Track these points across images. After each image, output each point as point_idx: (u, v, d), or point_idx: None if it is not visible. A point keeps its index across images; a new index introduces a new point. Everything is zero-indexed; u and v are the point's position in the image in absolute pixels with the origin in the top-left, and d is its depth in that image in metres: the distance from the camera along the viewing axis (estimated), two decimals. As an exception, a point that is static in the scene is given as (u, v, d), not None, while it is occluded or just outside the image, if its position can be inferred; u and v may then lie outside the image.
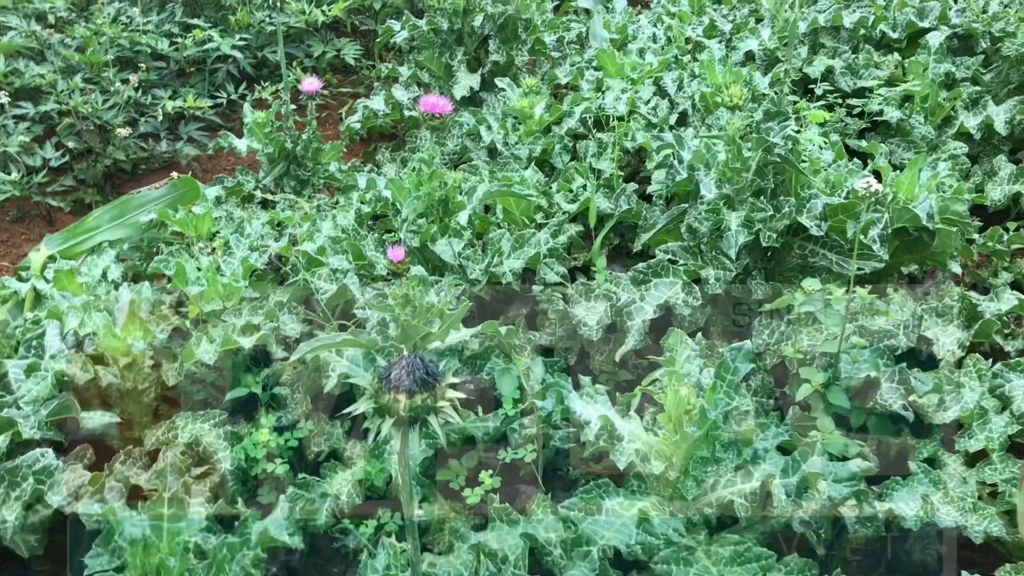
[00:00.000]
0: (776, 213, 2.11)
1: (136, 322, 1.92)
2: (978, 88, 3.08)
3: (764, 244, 2.09)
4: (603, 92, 3.08)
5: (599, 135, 2.87)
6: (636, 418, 1.69)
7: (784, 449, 1.73)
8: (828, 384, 1.86)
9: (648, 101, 3.04)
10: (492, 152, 3.01)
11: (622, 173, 2.63)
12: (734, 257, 2.04)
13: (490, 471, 1.83)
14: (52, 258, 2.62)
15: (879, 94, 2.95)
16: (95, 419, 1.83)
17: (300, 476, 1.83)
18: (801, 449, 1.65)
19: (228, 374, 2.17)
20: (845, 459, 1.73)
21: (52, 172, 3.36)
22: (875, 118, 3.01)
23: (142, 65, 3.74)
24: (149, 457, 1.88)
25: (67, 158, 3.37)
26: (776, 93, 2.63)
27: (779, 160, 2.11)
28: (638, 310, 2.11)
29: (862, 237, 2.19)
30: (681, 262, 2.18)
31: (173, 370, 2.00)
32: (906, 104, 3.00)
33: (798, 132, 2.31)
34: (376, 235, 2.31)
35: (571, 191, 2.58)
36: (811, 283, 1.91)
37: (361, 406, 1.05)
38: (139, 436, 2.00)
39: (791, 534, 1.76)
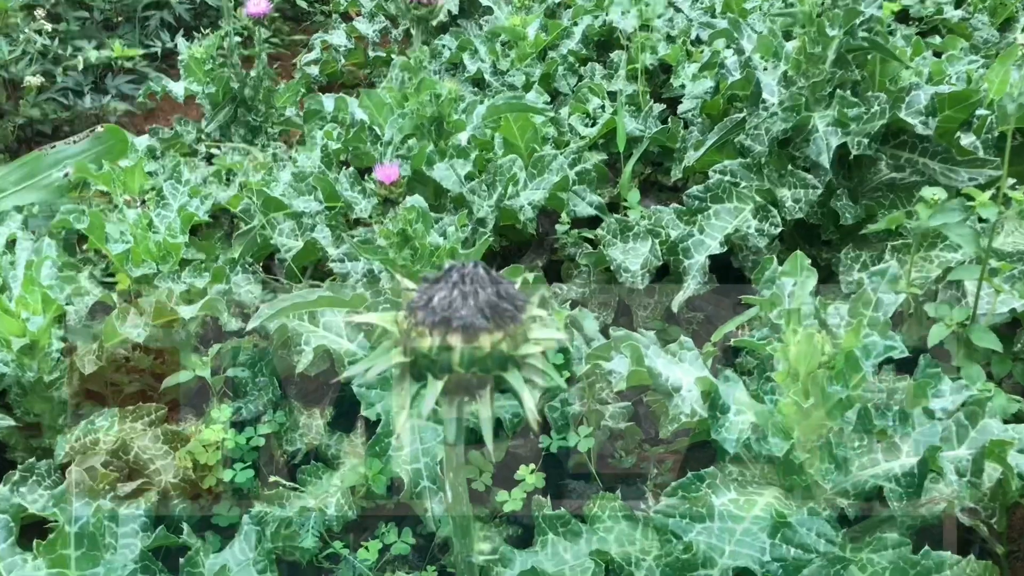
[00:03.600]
0: (866, 112, 1.64)
1: (34, 292, 1.41)
2: (1043, -17, 2.64)
3: (854, 152, 1.63)
4: (605, 8, 2.60)
5: (612, 53, 2.39)
6: (737, 381, 1.22)
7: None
8: (968, 323, 1.40)
9: (661, 15, 2.56)
10: (479, 83, 2.52)
11: (648, 88, 2.15)
12: (828, 165, 1.57)
13: (531, 466, 1.35)
14: (-57, 229, 2.08)
15: (936, -10, 2.50)
16: (-25, 425, 1.32)
17: (272, 481, 1.34)
18: (967, 410, 1.19)
19: (171, 358, 1.67)
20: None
21: (-48, 136, 2.81)
22: (931, 18, 2.57)
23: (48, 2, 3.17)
24: (62, 472, 1.37)
25: (-31, 119, 2.82)
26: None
27: (866, 44, 1.64)
28: (697, 245, 1.64)
29: (968, 141, 1.73)
30: (745, 183, 1.71)
31: (91, 354, 1.49)
32: (966, 2, 2.56)
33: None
34: (351, 171, 1.80)
35: (587, 114, 2.10)
36: (934, 191, 1.44)
37: (379, 361, 0.56)
38: (51, 444, 1.49)
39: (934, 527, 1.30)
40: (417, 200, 1.38)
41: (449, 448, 0.63)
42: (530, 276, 1.46)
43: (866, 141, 1.63)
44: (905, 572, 1.07)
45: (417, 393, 0.56)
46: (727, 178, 1.71)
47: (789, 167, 1.68)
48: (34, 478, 1.33)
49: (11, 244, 1.90)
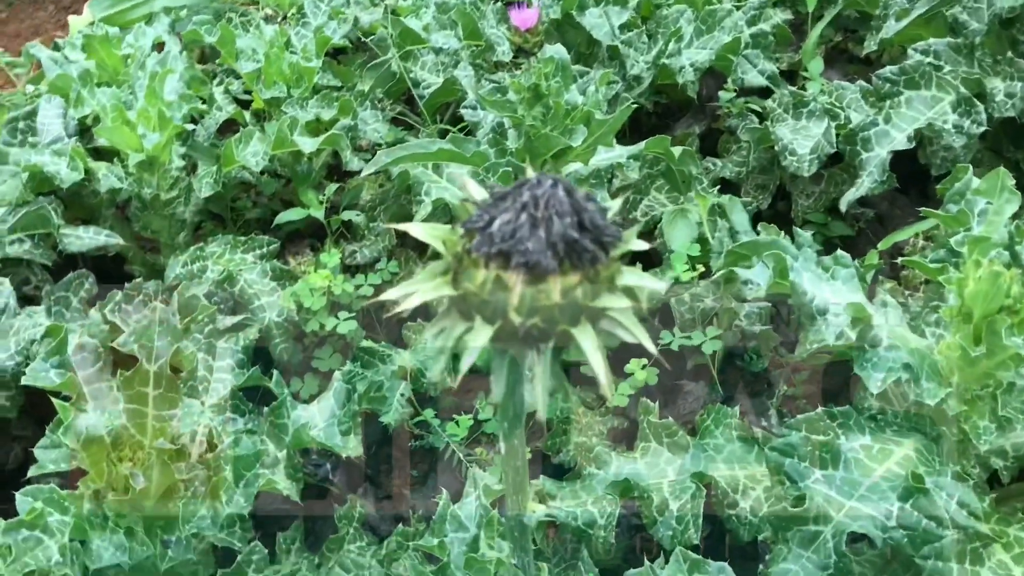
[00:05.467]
0: (1122, -4, 1.34)
1: (155, 106, 1.35)
2: None
3: (1095, 44, 1.35)
4: None
5: None
6: (896, 308, 1.04)
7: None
8: None
9: None
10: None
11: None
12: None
13: (643, 360, 1.23)
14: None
15: None
16: (84, 238, 1.30)
17: (364, 344, 1.27)
18: None
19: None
20: None
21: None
22: None
23: None
24: (170, 295, 1.34)
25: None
26: None
27: None
28: (880, 136, 1.42)
29: None
30: (949, 67, 1.46)
31: (210, 176, 1.44)
32: None
33: None
34: (499, 7, 1.64)
35: (777, -37, 1.83)
36: None
37: (422, 289, 0.45)
38: (166, 262, 1.47)
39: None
40: (558, 51, 1.22)
41: (501, 418, 0.52)
42: (676, 151, 1.29)
43: (1114, 31, 1.34)
44: (1060, 563, 0.91)
45: (463, 336, 0.44)
46: (929, 59, 1.46)
47: (1008, 54, 1.41)
48: (139, 298, 1.31)
49: (155, 46, 1.86)
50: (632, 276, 0.44)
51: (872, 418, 1.03)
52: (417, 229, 0.46)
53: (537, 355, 0.44)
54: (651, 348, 0.44)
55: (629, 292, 0.45)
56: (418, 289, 0.44)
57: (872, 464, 0.94)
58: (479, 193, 0.46)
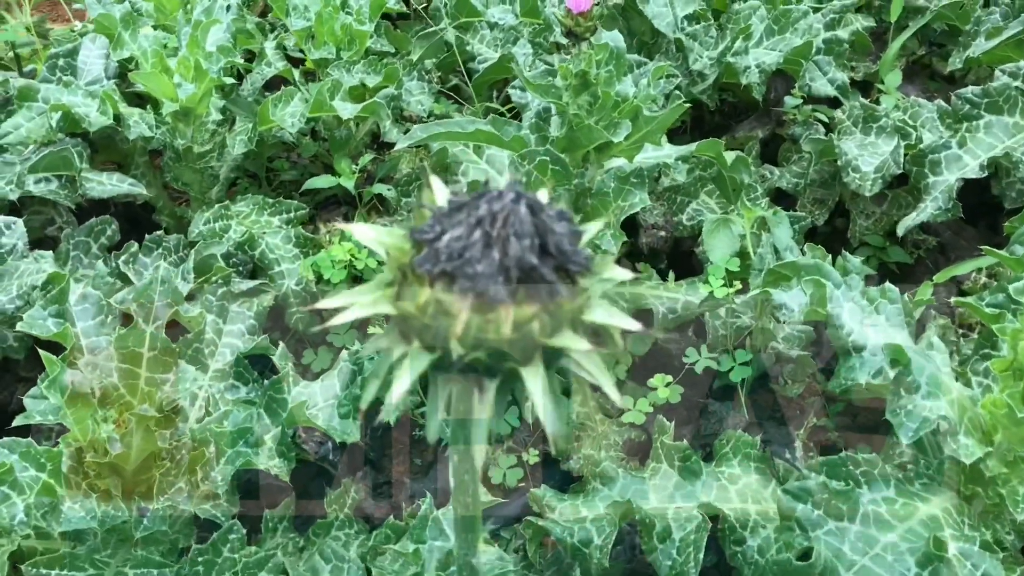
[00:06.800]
0: None
1: (196, 54, 1.31)
2: None
3: None
4: None
5: None
6: (942, 351, 0.96)
7: None
8: None
9: None
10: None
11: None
12: None
13: (667, 377, 1.16)
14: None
15: None
16: (107, 184, 1.26)
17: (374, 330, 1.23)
18: None
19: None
20: None
21: None
22: None
23: None
24: (189, 251, 1.31)
25: None
26: None
27: None
28: (951, 161, 1.32)
29: None
30: (1037, 95, 1.35)
31: (245, 134, 1.40)
32: None
33: None
34: (565, -15, 1.57)
35: (864, -34, 1.73)
36: None
37: (359, 303, 0.39)
38: (194, 216, 1.44)
39: None
40: (613, 37, 1.15)
41: (454, 465, 0.46)
42: (729, 156, 1.21)
43: None
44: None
45: (397, 362, 0.39)
46: (1017, 83, 1.35)
47: (1104, 86, 1.30)
48: (158, 250, 1.28)
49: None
50: (603, 312, 0.38)
51: (900, 467, 0.95)
52: (363, 231, 0.40)
53: (479, 392, 0.38)
54: (617, 400, 0.38)
55: (603, 330, 0.39)
56: (354, 302, 0.39)
57: (893, 521, 0.86)
58: (443, 196, 0.40)
